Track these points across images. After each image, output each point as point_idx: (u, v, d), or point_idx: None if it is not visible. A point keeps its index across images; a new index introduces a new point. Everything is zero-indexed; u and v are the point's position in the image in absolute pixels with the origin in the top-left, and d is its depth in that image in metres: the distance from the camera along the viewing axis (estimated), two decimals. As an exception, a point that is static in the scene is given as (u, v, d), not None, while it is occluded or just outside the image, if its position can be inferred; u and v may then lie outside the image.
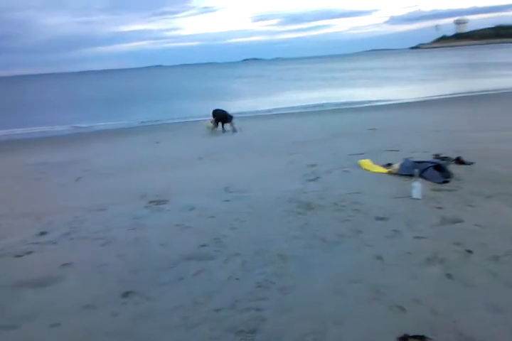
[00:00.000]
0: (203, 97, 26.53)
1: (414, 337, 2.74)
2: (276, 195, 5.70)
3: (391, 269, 3.60)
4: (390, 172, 6.24)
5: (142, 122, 16.71)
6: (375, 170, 6.46)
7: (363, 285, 3.37)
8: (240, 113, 16.30)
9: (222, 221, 4.93)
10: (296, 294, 3.31)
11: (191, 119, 16.31)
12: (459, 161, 6.47)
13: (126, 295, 3.43)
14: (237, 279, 3.57)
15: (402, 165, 6.16)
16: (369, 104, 17.46)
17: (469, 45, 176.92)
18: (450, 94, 19.26)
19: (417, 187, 5.18)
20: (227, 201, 5.64)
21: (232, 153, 8.59)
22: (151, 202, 5.77)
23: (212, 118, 12.66)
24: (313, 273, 3.63)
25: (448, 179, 5.71)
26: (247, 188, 6.13)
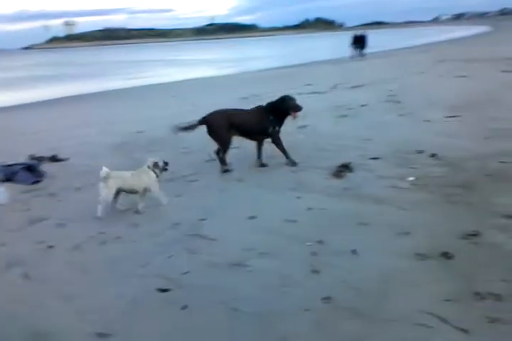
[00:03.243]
0: None
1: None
2: None
3: None
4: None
5: None
6: None
7: None
8: None
9: None
10: None
11: None
12: (53, 159, 6.45)
13: None
14: None
15: (-9, 172, 5.65)
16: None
17: (82, 46, 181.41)
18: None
19: (1, 192, 4.86)
20: None
21: None
22: None
23: None
24: None
25: (40, 178, 5.60)
26: None
